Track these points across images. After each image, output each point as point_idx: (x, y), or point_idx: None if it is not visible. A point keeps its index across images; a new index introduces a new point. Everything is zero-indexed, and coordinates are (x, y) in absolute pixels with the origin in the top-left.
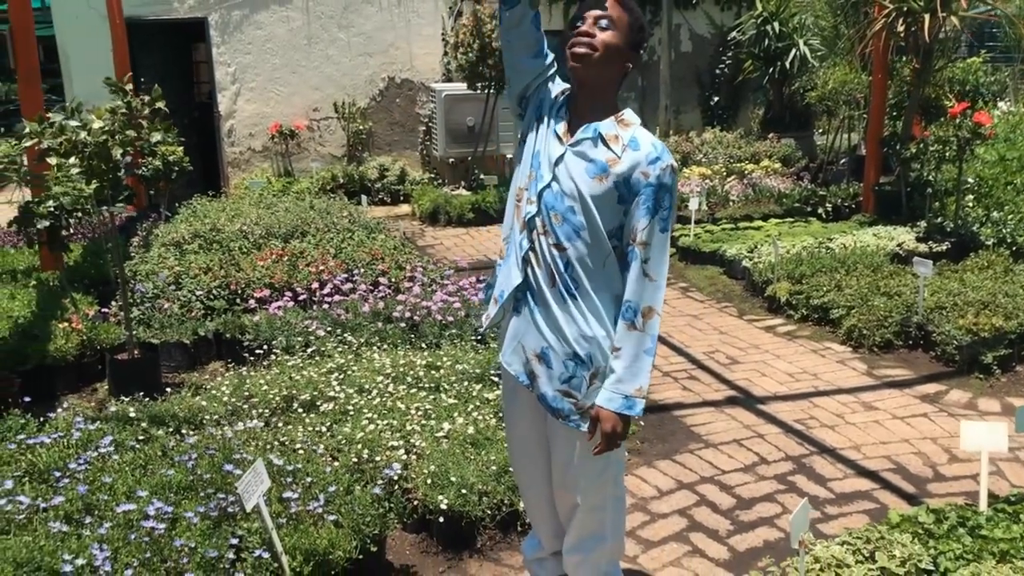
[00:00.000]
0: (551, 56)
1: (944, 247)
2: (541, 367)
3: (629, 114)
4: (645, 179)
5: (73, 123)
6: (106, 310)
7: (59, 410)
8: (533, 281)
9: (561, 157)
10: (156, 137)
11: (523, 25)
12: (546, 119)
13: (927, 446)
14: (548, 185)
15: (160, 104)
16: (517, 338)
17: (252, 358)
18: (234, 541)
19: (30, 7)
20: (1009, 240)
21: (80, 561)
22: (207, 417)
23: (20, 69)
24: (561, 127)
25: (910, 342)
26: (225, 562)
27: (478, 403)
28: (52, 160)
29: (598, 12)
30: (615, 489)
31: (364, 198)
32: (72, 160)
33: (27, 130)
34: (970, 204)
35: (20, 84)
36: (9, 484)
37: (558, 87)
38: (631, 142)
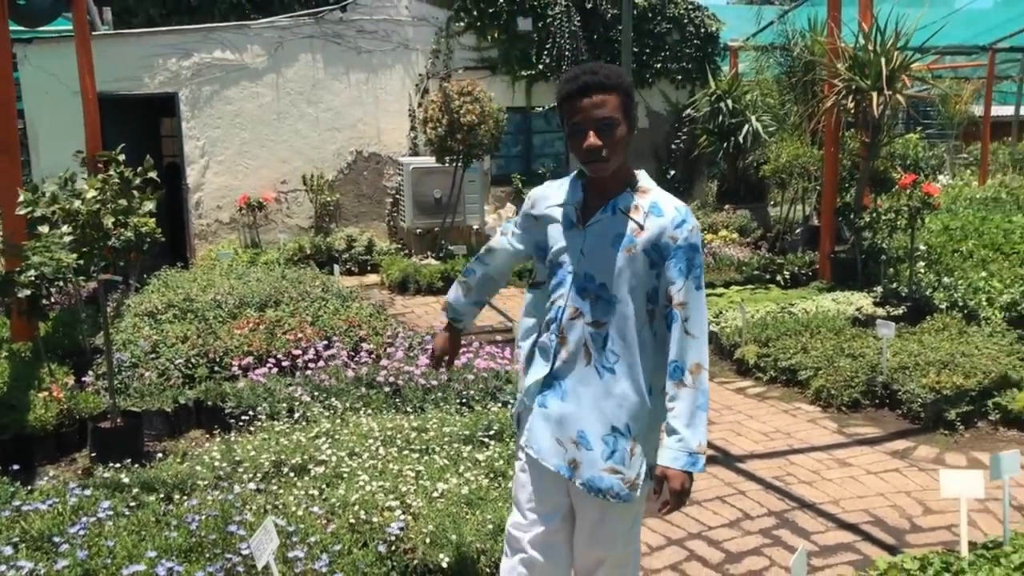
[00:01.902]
0: (520, 247)
1: (901, 311)
2: (582, 451)
3: (644, 179)
4: (674, 242)
5: (65, 193)
6: (85, 379)
7: (45, 479)
8: (564, 369)
9: (583, 240)
10: (149, 206)
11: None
12: (555, 220)
13: (902, 499)
14: (575, 272)
15: (153, 174)
16: (551, 432)
17: (238, 425)
18: None
19: (11, 81)
20: (961, 304)
21: None
22: (198, 482)
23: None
24: (574, 214)
25: (876, 401)
26: None
27: (469, 464)
28: (44, 228)
29: (597, 115)
30: (636, 543)
31: (336, 267)
32: (65, 228)
33: (21, 199)
34: (922, 270)
35: (0, 156)
36: (8, 550)
37: (547, 200)
38: (652, 208)
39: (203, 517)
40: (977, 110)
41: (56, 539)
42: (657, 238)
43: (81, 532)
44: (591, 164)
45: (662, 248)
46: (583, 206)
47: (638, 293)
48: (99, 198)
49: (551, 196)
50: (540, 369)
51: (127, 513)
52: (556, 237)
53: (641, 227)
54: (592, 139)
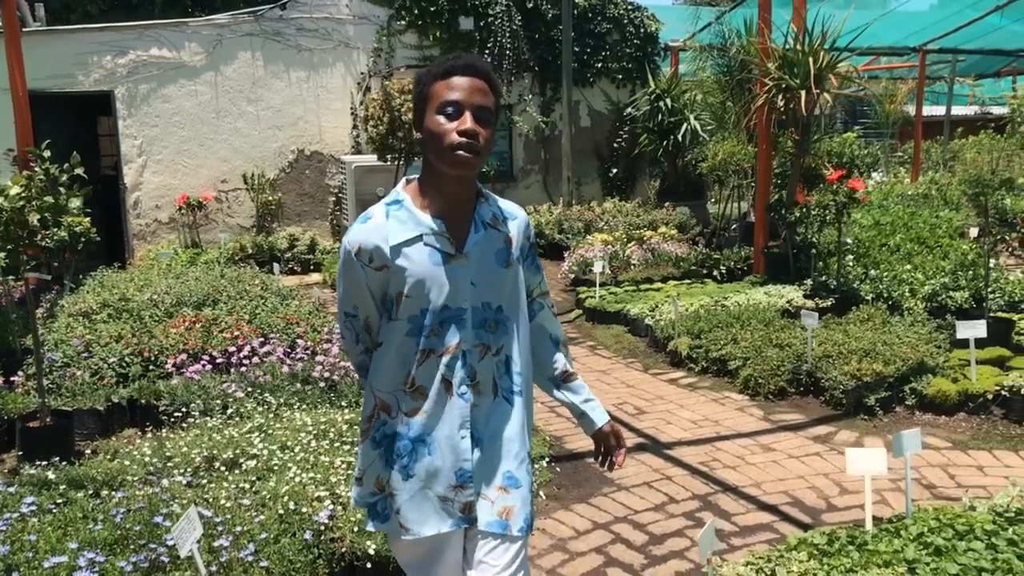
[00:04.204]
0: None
1: (829, 302)
2: (512, 494)
3: (479, 185)
4: (528, 242)
5: None
6: (14, 379)
7: None
8: (477, 414)
9: (471, 270)
10: (75, 203)
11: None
12: (412, 260)
13: (820, 481)
14: (471, 306)
15: (79, 170)
16: (477, 490)
17: (171, 422)
18: None
19: None
20: (886, 295)
21: None
22: (127, 478)
23: None
24: (447, 244)
25: (801, 389)
26: None
27: None
28: None
29: (477, 100)
30: None
31: (276, 266)
32: None
33: None
34: (851, 263)
35: None
36: None
37: (386, 241)
38: (506, 215)
39: (129, 510)
40: (912, 110)
41: None
42: (521, 243)
43: (3, 528)
44: (461, 153)
45: (523, 249)
46: (448, 230)
47: (522, 302)
48: (23, 195)
49: (388, 234)
50: (464, 444)
51: (53, 509)
52: (428, 279)
53: (509, 238)
54: (471, 123)
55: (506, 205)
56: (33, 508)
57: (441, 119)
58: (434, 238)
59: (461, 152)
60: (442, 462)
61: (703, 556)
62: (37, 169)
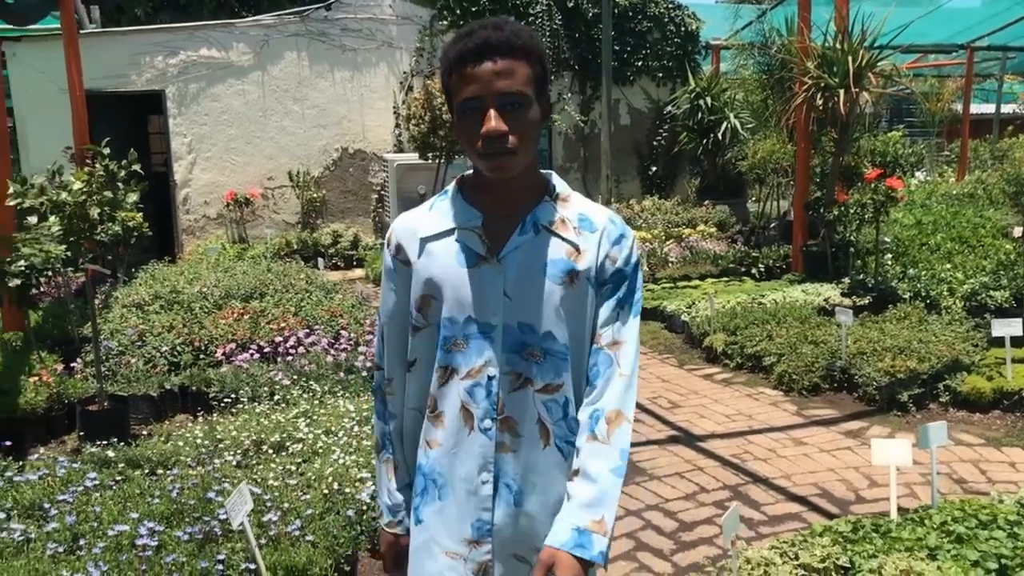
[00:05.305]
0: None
1: (866, 300)
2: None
3: (560, 183)
4: (614, 265)
5: (53, 184)
6: (74, 365)
7: (35, 456)
8: (512, 461)
9: (503, 277)
10: (133, 198)
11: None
12: (441, 258)
13: (850, 474)
14: (503, 323)
15: (136, 167)
16: (502, 549)
17: (220, 407)
18: (220, 557)
19: (2, 79)
20: (923, 294)
21: None
22: (181, 458)
23: None
24: (479, 242)
25: (835, 385)
26: (215, 574)
27: None
28: (33, 219)
29: (501, 87)
30: None
31: (320, 261)
32: (52, 219)
33: (11, 191)
34: (889, 262)
35: None
36: (1, 516)
37: (417, 232)
38: (582, 221)
39: (183, 487)
40: (960, 108)
41: (46, 506)
42: (597, 261)
43: (70, 500)
44: (491, 159)
45: (599, 272)
46: (485, 228)
47: (586, 334)
48: (85, 190)
49: (423, 225)
50: (484, 490)
51: (113, 486)
52: (449, 281)
53: (577, 248)
54: (494, 121)
55: (592, 211)
56: (96, 483)
57: (463, 121)
58: (467, 234)
59: (489, 158)
60: (456, 510)
61: (727, 539)
62: (97, 165)
